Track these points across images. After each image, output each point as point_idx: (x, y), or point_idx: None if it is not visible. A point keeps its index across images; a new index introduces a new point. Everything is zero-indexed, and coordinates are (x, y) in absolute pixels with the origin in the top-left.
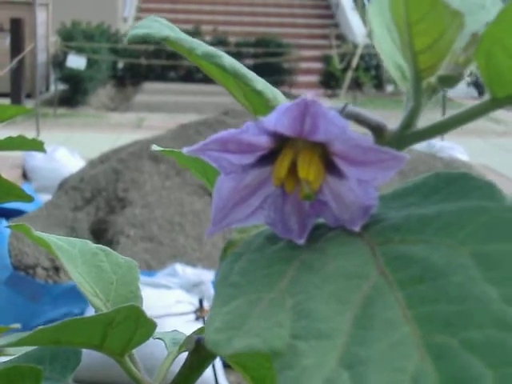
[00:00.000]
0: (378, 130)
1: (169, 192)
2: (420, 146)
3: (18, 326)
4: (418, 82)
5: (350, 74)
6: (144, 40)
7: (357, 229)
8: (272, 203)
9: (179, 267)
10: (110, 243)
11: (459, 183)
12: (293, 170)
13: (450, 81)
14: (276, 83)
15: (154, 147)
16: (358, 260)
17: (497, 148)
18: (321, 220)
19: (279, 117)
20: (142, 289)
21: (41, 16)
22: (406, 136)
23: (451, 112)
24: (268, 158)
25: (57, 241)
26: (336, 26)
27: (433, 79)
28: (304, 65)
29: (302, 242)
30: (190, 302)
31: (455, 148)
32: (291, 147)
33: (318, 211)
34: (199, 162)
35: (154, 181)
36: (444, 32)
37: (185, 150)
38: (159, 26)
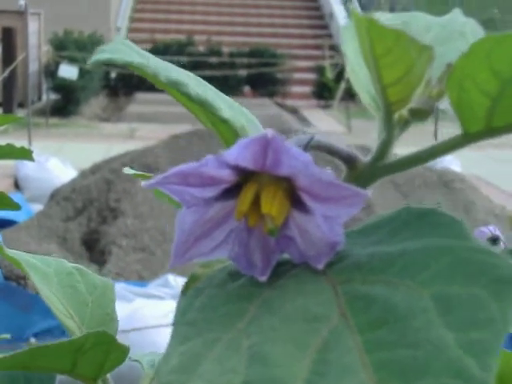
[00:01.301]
0: (349, 162)
1: (160, 202)
2: None
3: (7, 336)
4: (389, 114)
5: (343, 85)
6: (107, 64)
7: (320, 267)
8: (236, 237)
9: (171, 278)
10: (101, 253)
11: (428, 218)
12: (256, 204)
13: (421, 114)
14: (269, 94)
15: (126, 170)
16: (319, 300)
17: (490, 159)
18: (286, 256)
19: (240, 151)
20: (134, 299)
21: (33, 25)
22: (378, 168)
23: (443, 124)
24: (232, 191)
25: (30, 259)
26: (330, 36)
27: (404, 112)
28: (297, 75)
29: (264, 278)
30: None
31: (448, 159)
32: (255, 181)
33: (284, 247)
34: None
35: (146, 191)
36: (412, 65)
37: (143, 184)
38: (126, 50)
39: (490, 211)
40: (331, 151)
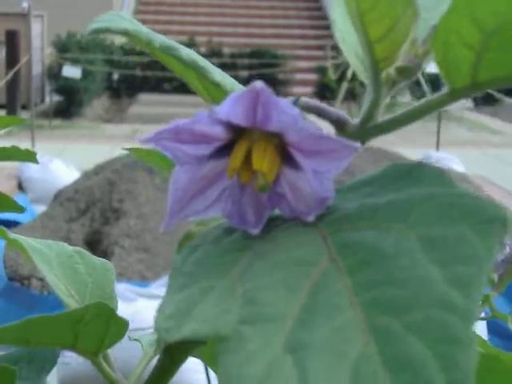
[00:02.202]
0: (339, 124)
1: (163, 203)
2: (417, 158)
3: None
4: (376, 73)
5: (344, 86)
6: (104, 32)
7: (311, 219)
8: (229, 195)
9: None
10: (104, 254)
11: (414, 173)
12: (248, 161)
13: (408, 72)
14: None
15: (124, 148)
16: (310, 248)
17: (493, 159)
18: (277, 212)
19: (231, 106)
20: (136, 300)
21: (36, 28)
22: (368, 129)
23: (447, 123)
24: (224, 149)
25: (33, 243)
26: (331, 36)
27: (391, 70)
28: (299, 76)
29: (256, 231)
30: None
31: (452, 159)
32: (246, 138)
33: (275, 203)
34: (165, 157)
35: (149, 192)
36: (398, 20)
37: (138, 138)
38: (120, 20)
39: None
40: (320, 113)
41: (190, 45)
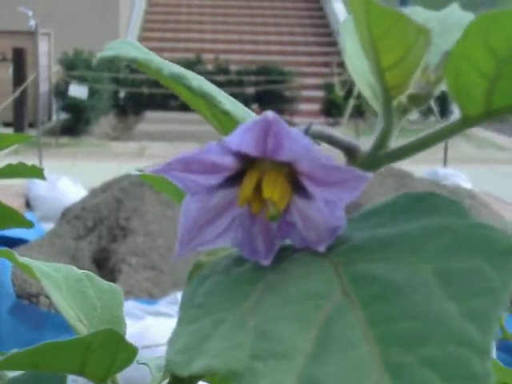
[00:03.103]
0: (350, 152)
1: (170, 221)
2: (423, 174)
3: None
4: (387, 100)
5: (351, 102)
6: (113, 60)
7: (322, 249)
8: (239, 224)
9: (181, 296)
10: (111, 272)
11: (426, 202)
12: (258, 190)
13: (419, 99)
14: (278, 111)
15: (133, 171)
16: (322, 280)
17: (501, 175)
18: (288, 242)
19: (242, 136)
20: (144, 317)
21: (43, 45)
22: (379, 157)
23: (454, 140)
24: (235, 179)
25: (42, 266)
26: (338, 53)
27: (403, 98)
28: (306, 93)
29: (267, 263)
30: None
31: (459, 175)
32: (257, 167)
33: (285, 232)
34: (173, 184)
35: (156, 209)
36: (410, 48)
37: (148, 169)
38: (128, 48)
39: (502, 228)
40: (331, 140)
41: (197, 62)
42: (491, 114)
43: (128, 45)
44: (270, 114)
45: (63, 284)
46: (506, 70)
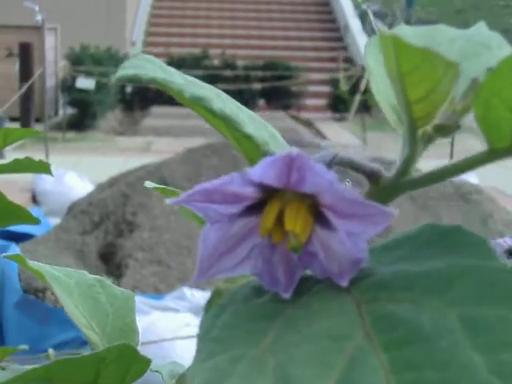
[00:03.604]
0: (372, 177)
1: (177, 216)
2: (430, 169)
3: (26, 347)
4: (413, 130)
5: (358, 97)
6: (132, 81)
7: (344, 284)
8: (259, 253)
9: (187, 290)
10: (118, 267)
11: (452, 237)
12: (280, 220)
13: (446, 129)
14: (284, 107)
15: (148, 184)
16: (344, 319)
17: (507, 170)
18: (309, 272)
19: (265, 169)
20: (150, 312)
21: (49, 40)
22: (401, 183)
23: (460, 134)
24: (256, 208)
25: (53, 271)
26: (344, 48)
27: (429, 128)
28: (312, 88)
29: (288, 296)
30: (198, 325)
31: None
32: (279, 198)
33: (307, 262)
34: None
35: (163, 204)
36: (438, 82)
37: (169, 201)
38: (149, 67)
39: (509, 223)
40: (354, 167)
41: (204, 57)
42: None
43: (149, 62)
44: (294, 150)
45: (75, 290)
46: None
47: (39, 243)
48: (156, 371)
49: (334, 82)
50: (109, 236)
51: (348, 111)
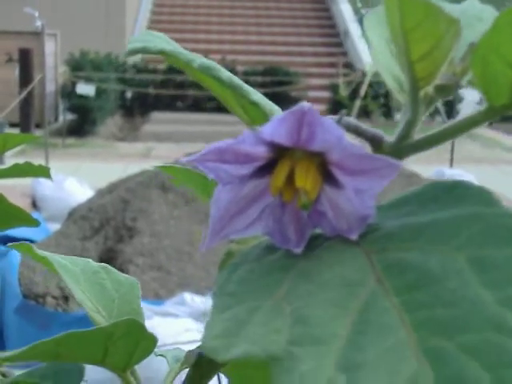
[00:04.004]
0: (375, 142)
1: (177, 221)
2: (430, 174)
3: None
4: (415, 91)
5: (358, 103)
6: (142, 52)
7: (354, 237)
8: (270, 213)
9: (188, 296)
10: None
11: (455, 191)
12: (290, 179)
13: (446, 90)
14: None
15: (156, 165)
16: (355, 268)
17: (508, 176)
18: (318, 230)
19: (276, 126)
20: (150, 317)
21: (49, 46)
22: (404, 147)
23: (461, 140)
24: (266, 169)
25: (60, 259)
26: (344, 54)
27: (430, 89)
28: (312, 93)
29: (299, 251)
30: (198, 331)
31: (465, 176)
32: (289, 157)
33: (316, 221)
34: (200, 179)
35: (163, 210)
36: (440, 39)
37: (184, 159)
38: (156, 40)
39: None
40: (358, 131)
41: None
42: None
43: (155, 37)
44: (305, 104)
45: (81, 276)
46: None
47: (39, 249)
48: (161, 355)
49: (333, 88)
50: (109, 241)
51: (348, 116)
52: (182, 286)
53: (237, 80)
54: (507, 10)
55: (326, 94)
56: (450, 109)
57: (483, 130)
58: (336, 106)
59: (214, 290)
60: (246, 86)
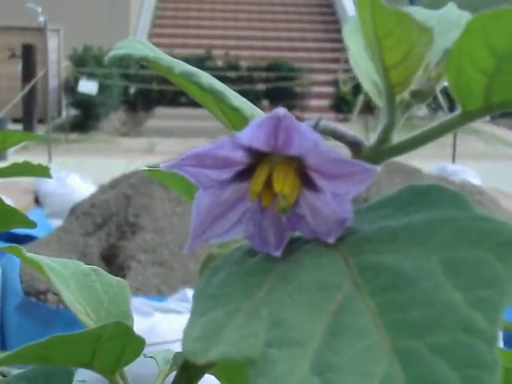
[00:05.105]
0: (354, 146)
1: (180, 217)
2: (432, 170)
3: None
4: (391, 96)
5: (361, 98)
6: (124, 58)
7: (332, 241)
8: (250, 217)
9: (190, 292)
10: (120, 268)
11: (430, 195)
12: (269, 184)
13: (422, 95)
14: (288, 107)
15: (143, 168)
16: (332, 271)
17: (509, 171)
18: (298, 234)
19: (253, 132)
20: (152, 314)
21: (52, 42)
22: (383, 151)
23: (463, 136)
24: (246, 173)
25: (50, 262)
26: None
27: (406, 94)
28: (315, 89)
29: (278, 254)
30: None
31: (467, 171)
32: (267, 162)
33: (295, 224)
34: (183, 180)
35: (165, 206)
36: (413, 46)
37: (162, 164)
38: (139, 46)
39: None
40: (336, 135)
41: (207, 58)
42: (490, 109)
43: (138, 43)
44: (280, 110)
45: (71, 279)
46: (504, 67)
47: (41, 245)
48: (150, 357)
49: (337, 83)
50: (111, 238)
51: (351, 112)
52: (185, 282)
53: (219, 85)
54: (478, 16)
55: (329, 90)
56: (453, 104)
57: (485, 126)
58: (340, 102)
59: (194, 293)
60: (228, 92)
